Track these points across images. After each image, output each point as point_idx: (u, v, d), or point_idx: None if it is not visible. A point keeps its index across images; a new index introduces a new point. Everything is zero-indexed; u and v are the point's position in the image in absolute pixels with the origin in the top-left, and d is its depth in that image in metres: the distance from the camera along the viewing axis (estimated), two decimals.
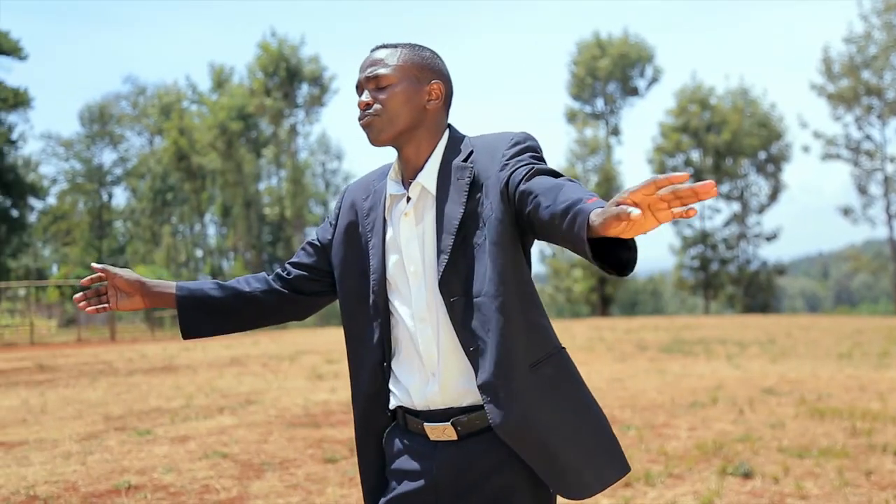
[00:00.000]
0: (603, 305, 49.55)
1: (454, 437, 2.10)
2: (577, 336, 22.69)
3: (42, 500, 6.02)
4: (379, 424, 2.25)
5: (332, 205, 2.31)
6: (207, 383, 13.41)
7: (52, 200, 68.38)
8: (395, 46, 2.19)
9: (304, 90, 52.26)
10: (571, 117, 52.04)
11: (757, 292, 50.63)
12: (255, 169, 53.72)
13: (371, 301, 2.19)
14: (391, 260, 2.18)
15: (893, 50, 43.16)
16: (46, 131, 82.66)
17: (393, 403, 2.21)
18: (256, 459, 7.14)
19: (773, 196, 50.57)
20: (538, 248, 53.14)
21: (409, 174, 2.20)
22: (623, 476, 2.15)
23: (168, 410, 10.43)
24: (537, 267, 53.48)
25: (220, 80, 55.10)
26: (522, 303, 2.08)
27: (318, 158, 58.66)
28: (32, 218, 62.05)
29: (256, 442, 7.96)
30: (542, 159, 2.11)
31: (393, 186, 2.21)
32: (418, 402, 2.13)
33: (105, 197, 70.77)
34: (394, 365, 2.20)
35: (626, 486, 5.96)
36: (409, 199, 2.17)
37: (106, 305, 2.33)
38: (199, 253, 67.99)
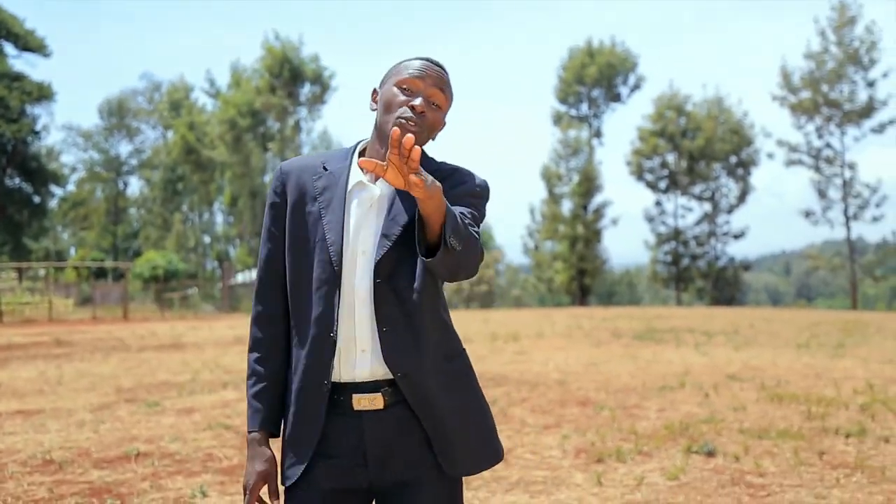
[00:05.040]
0: (582, 295, 49.58)
1: (381, 406, 2.07)
2: (556, 323, 22.72)
3: (57, 465, 6.02)
4: (320, 394, 2.10)
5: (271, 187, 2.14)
6: (213, 360, 13.40)
7: (71, 188, 68.20)
8: (446, 72, 2.19)
9: (307, 89, 52.16)
10: (557, 119, 52.04)
11: (724, 286, 50.71)
12: (262, 162, 53.52)
13: (323, 273, 2.09)
14: (346, 239, 2.10)
15: (848, 64, 43.22)
16: (67, 123, 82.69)
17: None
18: None
19: (742, 198, 50.60)
20: (522, 240, 53.19)
21: None
22: (496, 464, 2.24)
23: (175, 384, 10.43)
24: (521, 258, 53.53)
25: (239, 79, 54.75)
26: (437, 301, 2.16)
27: (319, 152, 58.56)
28: (53, 204, 61.92)
29: None
30: (481, 207, 2.20)
31: (361, 175, 2.14)
32: (346, 377, 2.08)
33: (121, 186, 70.55)
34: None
35: (598, 461, 5.99)
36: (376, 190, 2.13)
37: None
38: (206, 239, 67.83)
